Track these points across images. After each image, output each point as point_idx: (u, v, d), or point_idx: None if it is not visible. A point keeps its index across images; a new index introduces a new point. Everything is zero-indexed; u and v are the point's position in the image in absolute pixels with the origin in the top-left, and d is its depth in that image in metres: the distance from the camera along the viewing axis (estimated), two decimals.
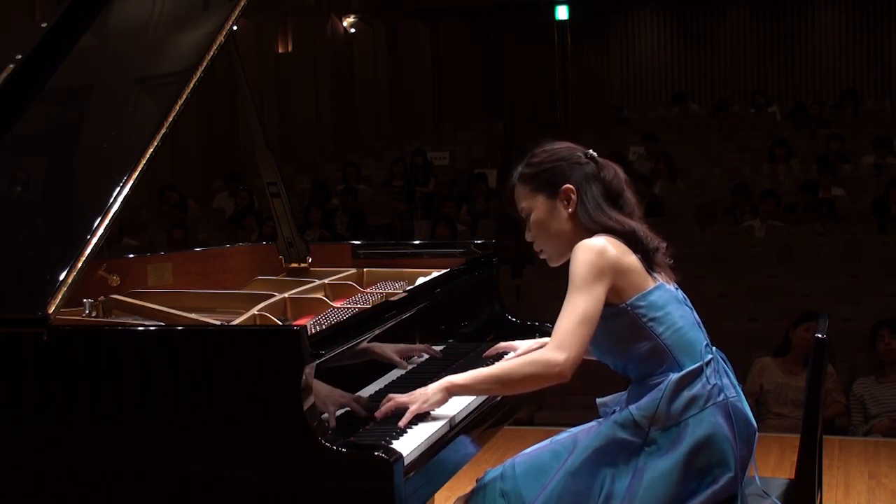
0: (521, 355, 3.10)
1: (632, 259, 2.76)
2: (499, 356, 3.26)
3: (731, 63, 19.64)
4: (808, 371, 2.87)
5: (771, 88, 18.71)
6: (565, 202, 2.84)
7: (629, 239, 2.78)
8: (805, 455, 2.78)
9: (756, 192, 10.73)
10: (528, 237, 2.92)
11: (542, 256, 2.93)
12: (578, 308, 2.68)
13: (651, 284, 2.77)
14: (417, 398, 2.74)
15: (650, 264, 2.80)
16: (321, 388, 2.60)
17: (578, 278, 2.71)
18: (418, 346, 3.25)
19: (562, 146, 2.91)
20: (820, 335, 2.80)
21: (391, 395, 2.78)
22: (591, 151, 2.91)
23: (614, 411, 2.80)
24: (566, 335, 2.67)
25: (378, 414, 2.75)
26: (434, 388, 2.75)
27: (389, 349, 3.06)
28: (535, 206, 2.88)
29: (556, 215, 2.85)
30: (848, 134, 13.34)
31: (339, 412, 2.71)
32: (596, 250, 2.72)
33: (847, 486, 5.52)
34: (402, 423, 2.68)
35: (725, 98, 17.46)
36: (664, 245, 2.86)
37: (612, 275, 2.71)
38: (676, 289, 2.86)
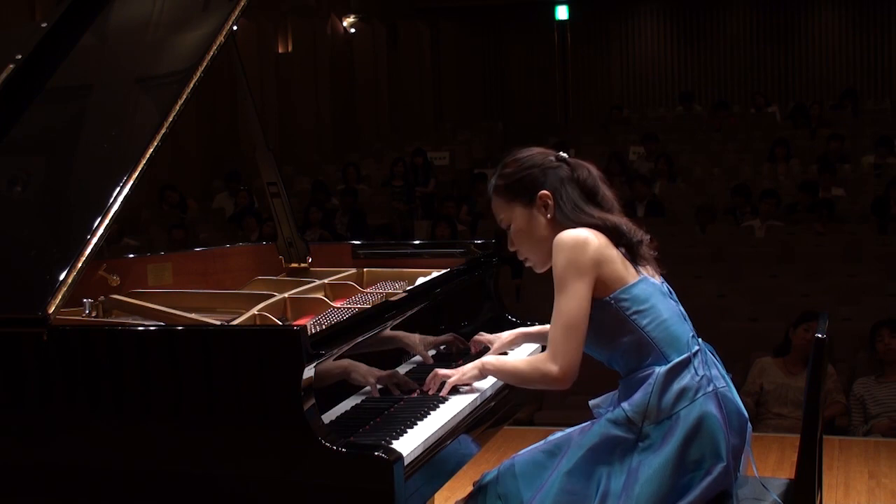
0: (529, 334, 3.34)
1: (614, 252, 2.77)
2: (481, 353, 3.29)
3: (731, 63, 19.63)
4: (808, 371, 2.87)
5: (771, 88, 18.71)
6: (542, 208, 2.85)
7: (612, 234, 2.80)
8: (805, 455, 2.78)
9: (756, 192, 10.74)
10: (511, 247, 2.96)
11: (527, 265, 2.96)
12: (563, 313, 2.73)
13: (635, 278, 2.79)
14: (456, 373, 2.97)
15: (635, 257, 2.82)
16: (360, 364, 2.83)
17: (559, 280, 2.74)
18: (447, 336, 3.38)
19: (532, 152, 2.93)
20: (820, 335, 2.80)
21: (435, 370, 3.00)
22: (562, 153, 2.93)
23: (608, 412, 2.81)
24: (556, 345, 2.73)
25: (425, 387, 2.98)
26: (470, 365, 2.97)
27: (417, 339, 3.18)
28: (513, 217, 2.90)
29: (535, 223, 2.87)
30: (848, 134, 13.34)
31: (379, 386, 2.92)
32: (574, 245, 2.73)
33: (847, 486, 5.51)
34: (442, 393, 2.94)
35: (725, 98, 17.46)
36: (648, 237, 2.88)
37: (594, 267, 2.73)
38: (662, 282, 2.87)
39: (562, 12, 19.85)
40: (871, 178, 11.68)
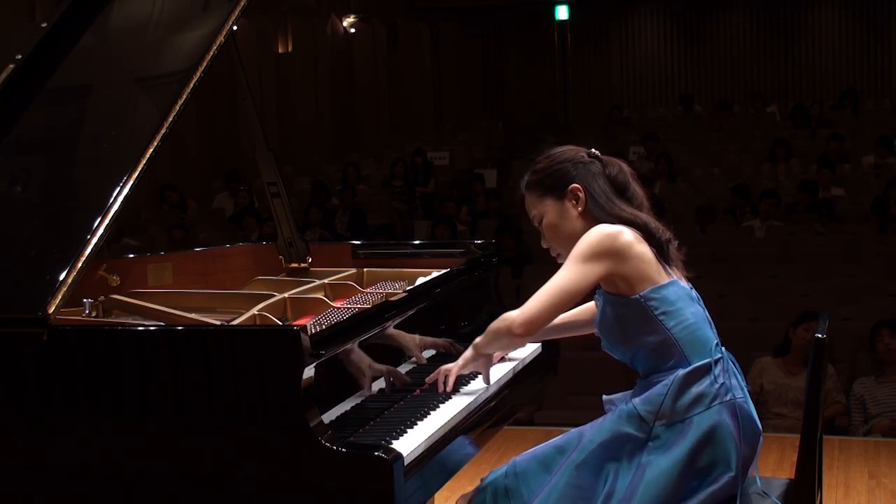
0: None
1: (646, 249, 2.77)
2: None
3: (731, 63, 19.64)
4: (808, 371, 2.87)
5: (771, 88, 18.72)
6: (573, 201, 2.87)
7: (643, 231, 2.80)
8: (805, 455, 2.78)
9: (756, 192, 10.74)
10: (544, 243, 2.97)
11: (559, 261, 2.94)
12: (560, 278, 2.76)
13: (665, 279, 2.79)
14: (455, 364, 2.99)
15: (665, 258, 2.82)
16: (361, 357, 2.83)
17: (575, 252, 2.76)
18: (441, 340, 3.35)
19: (564, 149, 2.96)
20: (820, 335, 2.80)
21: (439, 368, 3.02)
22: (593, 150, 2.95)
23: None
24: (534, 298, 2.78)
25: (428, 380, 3.01)
26: (466, 353, 3.00)
27: (412, 341, 3.17)
28: (545, 211, 2.91)
29: (566, 216, 2.88)
30: (848, 134, 13.34)
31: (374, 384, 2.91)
32: (606, 233, 2.75)
33: (847, 486, 5.52)
34: (448, 387, 2.96)
35: (725, 98, 17.46)
36: (673, 237, 2.88)
37: (614, 260, 2.73)
38: (691, 287, 2.87)
39: (562, 12, 19.87)
40: (871, 178, 11.69)
